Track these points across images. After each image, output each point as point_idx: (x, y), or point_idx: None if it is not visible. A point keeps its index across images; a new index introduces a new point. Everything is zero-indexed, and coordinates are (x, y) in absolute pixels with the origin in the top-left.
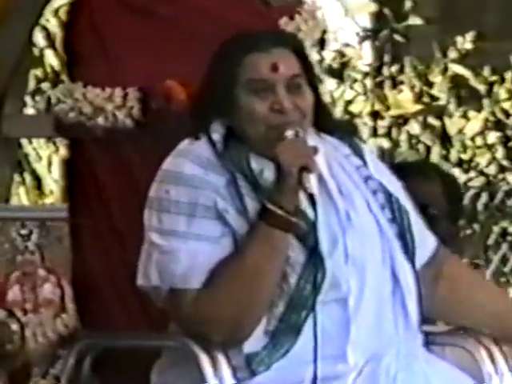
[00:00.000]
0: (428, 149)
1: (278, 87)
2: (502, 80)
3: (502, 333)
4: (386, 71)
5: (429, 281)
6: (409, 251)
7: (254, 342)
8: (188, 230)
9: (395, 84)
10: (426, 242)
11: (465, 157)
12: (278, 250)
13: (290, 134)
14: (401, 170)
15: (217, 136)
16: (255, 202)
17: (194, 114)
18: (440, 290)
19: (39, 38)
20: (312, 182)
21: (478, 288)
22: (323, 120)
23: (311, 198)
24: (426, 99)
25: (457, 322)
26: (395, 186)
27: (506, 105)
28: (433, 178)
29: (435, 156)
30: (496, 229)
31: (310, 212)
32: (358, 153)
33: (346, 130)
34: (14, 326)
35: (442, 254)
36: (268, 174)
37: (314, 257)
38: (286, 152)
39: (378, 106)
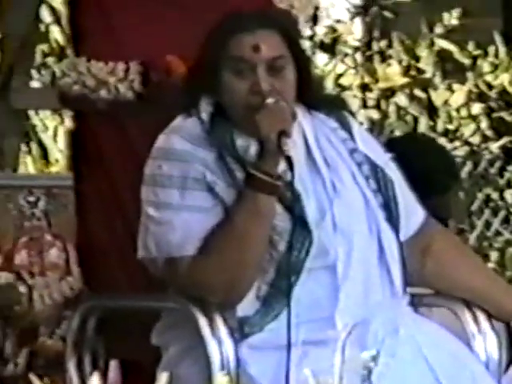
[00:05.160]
0: (416, 120)
1: (259, 68)
2: (486, 54)
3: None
4: (375, 46)
5: (417, 253)
6: (393, 220)
7: (247, 307)
8: (181, 201)
9: (384, 58)
10: (413, 214)
11: (451, 127)
12: (263, 212)
13: (270, 101)
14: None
15: (204, 115)
16: (244, 174)
17: (185, 90)
18: (428, 265)
19: (45, 14)
20: (290, 145)
21: (464, 263)
22: (311, 96)
23: (289, 162)
24: (413, 72)
25: (444, 292)
26: (382, 158)
27: (488, 77)
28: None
29: (423, 126)
30: (480, 195)
31: (290, 176)
32: (346, 126)
33: (333, 105)
34: (22, 289)
35: (431, 228)
36: (253, 150)
37: (301, 225)
38: (266, 119)
39: (367, 79)
